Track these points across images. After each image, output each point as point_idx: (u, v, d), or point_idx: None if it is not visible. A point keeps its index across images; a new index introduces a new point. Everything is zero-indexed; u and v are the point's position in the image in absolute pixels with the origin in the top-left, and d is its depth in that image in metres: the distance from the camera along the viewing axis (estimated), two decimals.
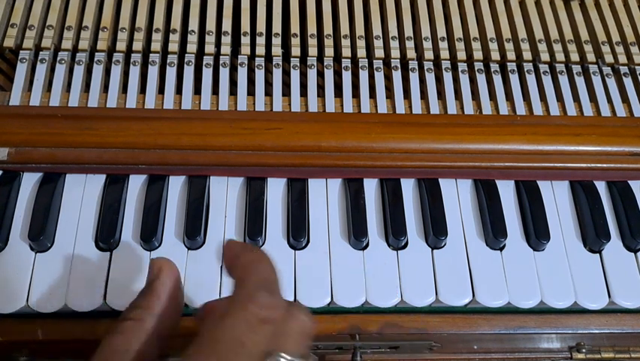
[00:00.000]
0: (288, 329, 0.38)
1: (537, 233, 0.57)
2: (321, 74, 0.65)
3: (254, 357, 0.36)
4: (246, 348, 0.36)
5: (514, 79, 0.66)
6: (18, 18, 0.63)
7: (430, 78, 0.65)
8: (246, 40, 0.65)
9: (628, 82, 0.67)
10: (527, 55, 0.68)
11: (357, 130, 0.59)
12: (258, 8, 0.67)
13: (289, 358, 0.36)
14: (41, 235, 0.52)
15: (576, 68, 0.68)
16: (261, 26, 0.66)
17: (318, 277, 0.54)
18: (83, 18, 0.65)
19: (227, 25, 0.66)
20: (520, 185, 0.60)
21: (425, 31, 0.68)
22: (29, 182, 0.56)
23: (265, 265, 0.41)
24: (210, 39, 0.64)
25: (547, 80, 0.67)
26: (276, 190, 0.58)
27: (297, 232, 0.55)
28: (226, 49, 0.64)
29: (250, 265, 0.41)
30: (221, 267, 0.54)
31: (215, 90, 0.62)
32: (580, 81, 0.67)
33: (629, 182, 0.61)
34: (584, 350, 0.61)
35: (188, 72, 0.63)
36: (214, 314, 0.39)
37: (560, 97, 0.66)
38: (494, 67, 0.67)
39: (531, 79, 0.67)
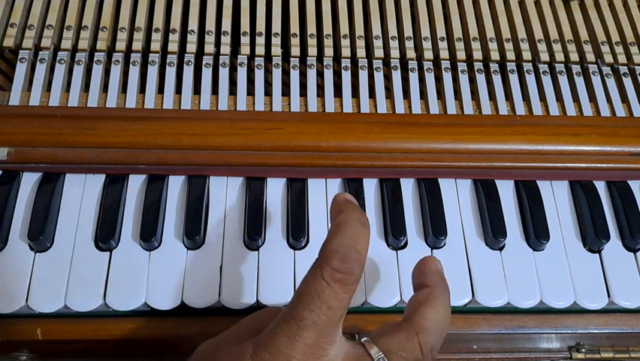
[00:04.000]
0: (404, 343, 0.39)
1: (537, 233, 0.57)
2: (320, 74, 0.65)
3: (329, 317, 0.37)
4: (322, 304, 0.37)
5: (513, 79, 0.66)
6: (18, 18, 0.63)
7: (430, 78, 0.65)
8: (245, 40, 0.65)
9: (627, 82, 0.67)
10: (527, 55, 0.68)
11: (356, 130, 0.59)
12: (257, 8, 0.67)
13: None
14: (41, 235, 0.52)
15: (576, 68, 0.68)
16: (260, 26, 0.66)
17: None
18: (83, 18, 0.65)
19: (226, 25, 0.66)
20: (519, 185, 0.60)
21: (425, 31, 0.68)
22: (29, 182, 0.56)
23: (353, 229, 0.40)
24: (210, 39, 0.64)
25: (546, 80, 0.67)
26: (275, 190, 0.58)
27: (297, 232, 0.55)
28: (225, 49, 0.64)
29: (339, 226, 0.40)
30: (221, 267, 0.54)
31: (215, 90, 0.62)
32: (579, 81, 0.67)
33: (629, 182, 0.61)
34: (583, 350, 0.61)
35: (188, 72, 0.63)
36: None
37: (559, 97, 0.66)
38: (494, 67, 0.67)
39: (530, 79, 0.67)
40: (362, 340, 0.39)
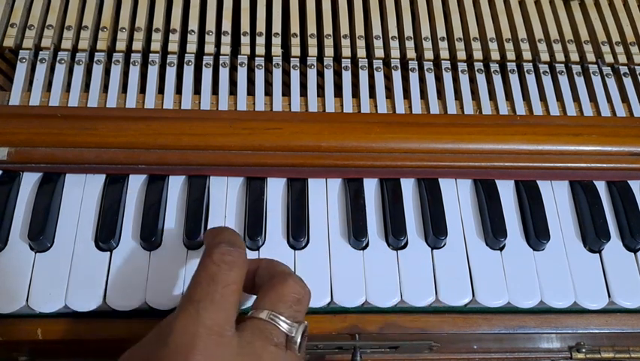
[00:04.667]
0: (280, 293, 0.43)
1: (537, 233, 0.57)
2: (320, 74, 0.65)
3: (225, 296, 0.41)
4: (217, 285, 0.41)
5: (513, 79, 0.66)
6: (18, 18, 0.63)
7: (430, 78, 0.65)
8: (245, 40, 0.65)
9: (628, 82, 0.67)
10: (527, 55, 0.68)
11: (357, 130, 0.59)
12: (257, 8, 0.67)
13: (283, 318, 0.42)
14: (41, 235, 0.52)
15: (576, 68, 0.68)
16: (260, 26, 0.66)
17: (317, 277, 0.54)
18: (83, 18, 0.65)
19: (227, 25, 0.66)
20: (520, 185, 0.60)
21: (425, 30, 0.68)
22: (29, 182, 0.56)
23: (230, 231, 0.48)
24: (210, 39, 0.64)
25: (547, 80, 0.67)
26: (276, 190, 0.58)
27: (297, 232, 0.55)
28: (226, 49, 0.64)
29: (217, 231, 0.48)
30: None
31: (215, 90, 0.62)
32: (580, 81, 0.67)
33: (629, 182, 0.61)
34: (583, 350, 0.61)
35: (188, 72, 0.63)
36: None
37: (559, 97, 0.66)
38: (494, 67, 0.67)
39: (531, 79, 0.67)
40: (249, 313, 0.43)
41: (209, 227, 0.55)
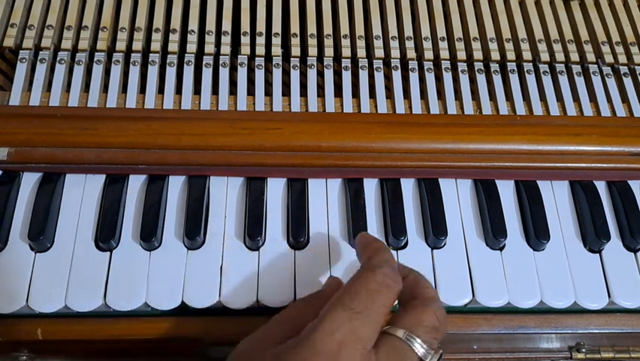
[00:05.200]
0: (420, 317, 0.43)
1: (537, 233, 0.57)
2: (320, 74, 0.65)
3: (379, 314, 0.41)
4: (374, 302, 0.41)
5: (514, 79, 0.66)
6: (18, 18, 0.63)
7: (430, 78, 0.65)
8: (245, 40, 0.65)
9: (628, 82, 0.67)
10: (527, 55, 0.68)
11: (357, 130, 0.59)
12: (257, 8, 0.67)
13: (419, 341, 0.41)
14: (41, 235, 0.52)
15: (576, 68, 0.68)
16: (260, 26, 0.66)
17: (317, 277, 0.54)
18: (83, 18, 0.65)
19: (227, 25, 0.66)
20: (520, 185, 0.60)
21: (425, 30, 0.68)
22: (29, 182, 0.56)
23: (388, 251, 0.47)
24: (210, 39, 0.64)
25: (547, 80, 0.67)
26: (276, 190, 0.58)
27: (297, 231, 0.55)
28: (226, 49, 0.64)
29: (381, 248, 0.47)
30: (221, 267, 0.54)
31: (215, 90, 0.62)
32: (580, 81, 0.67)
33: (629, 182, 0.61)
34: (583, 350, 0.61)
35: (188, 72, 0.63)
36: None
37: (559, 97, 0.66)
38: (494, 67, 0.67)
39: (531, 79, 0.67)
40: (384, 329, 0.42)
41: (209, 227, 0.56)
